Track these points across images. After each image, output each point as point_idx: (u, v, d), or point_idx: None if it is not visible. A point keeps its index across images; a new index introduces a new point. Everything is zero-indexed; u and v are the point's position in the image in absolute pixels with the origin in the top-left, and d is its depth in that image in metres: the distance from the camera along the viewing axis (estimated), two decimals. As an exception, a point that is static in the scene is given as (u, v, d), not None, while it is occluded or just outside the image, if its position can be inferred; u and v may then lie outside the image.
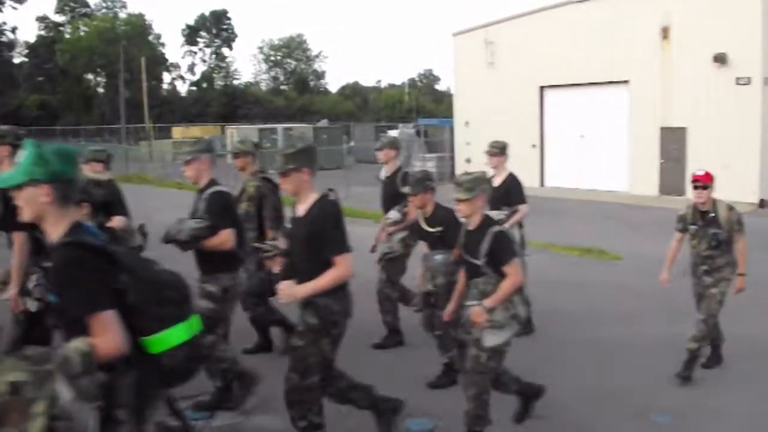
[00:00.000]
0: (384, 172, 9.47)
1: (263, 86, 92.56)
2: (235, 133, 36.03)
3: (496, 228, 5.61)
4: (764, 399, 7.09)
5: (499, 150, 9.25)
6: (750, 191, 22.34)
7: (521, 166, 28.84)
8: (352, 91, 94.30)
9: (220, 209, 6.01)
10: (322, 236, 5.05)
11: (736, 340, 8.32)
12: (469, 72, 31.03)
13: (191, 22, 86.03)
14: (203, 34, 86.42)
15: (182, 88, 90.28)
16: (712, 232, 7.30)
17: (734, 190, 23.40)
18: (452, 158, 31.69)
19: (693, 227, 7.49)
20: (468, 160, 30.85)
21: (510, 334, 5.59)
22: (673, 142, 25.06)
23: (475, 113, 30.76)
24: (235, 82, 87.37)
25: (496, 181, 8.76)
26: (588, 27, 26.87)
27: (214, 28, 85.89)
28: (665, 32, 24.95)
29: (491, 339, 5.51)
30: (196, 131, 56.35)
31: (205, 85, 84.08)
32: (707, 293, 7.41)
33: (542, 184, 28.68)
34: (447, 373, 7.26)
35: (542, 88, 28.93)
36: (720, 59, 23.57)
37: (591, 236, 16.84)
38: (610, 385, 7.13)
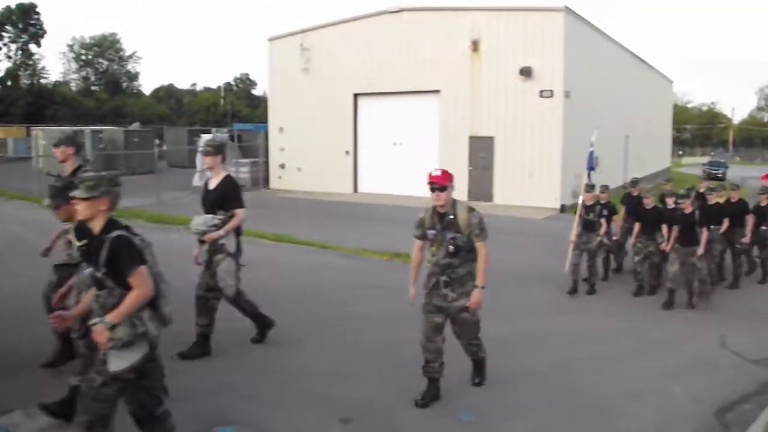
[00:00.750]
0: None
1: (73, 86, 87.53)
2: (41, 135, 33.60)
3: (116, 233, 4.74)
4: (558, 391, 7.36)
5: (214, 149, 8.03)
6: (552, 197, 23.53)
7: (335, 172, 29.30)
8: (167, 93, 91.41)
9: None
10: None
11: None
12: (285, 77, 30.72)
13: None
14: (8, 28, 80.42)
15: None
16: (450, 237, 6.57)
17: (538, 196, 24.72)
18: (267, 164, 31.18)
19: (431, 232, 6.76)
20: (282, 166, 30.54)
21: (138, 356, 4.72)
22: (481, 150, 25.94)
23: (289, 119, 30.47)
24: (43, 81, 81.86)
25: (212, 183, 8.01)
26: (401, 37, 27.41)
27: (21, 23, 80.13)
28: (475, 45, 25.82)
29: (116, 363, 4.67)
30: (-1, 131, 52.02)
31: (9, 83, 78.26)
32: (460, 318, 6.79)
33: (356, 190, 28.81)
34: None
35: (356, 95, 29.09)
36: (525, 72, 24.73)
37: (402, 241, 16.88)
38: (418, 386, 6.99)
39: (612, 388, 7.53)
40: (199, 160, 29.32)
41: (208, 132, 32.84)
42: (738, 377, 8.09)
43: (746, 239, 13.43)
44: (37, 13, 78.63)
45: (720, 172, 54.82)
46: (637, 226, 12.72)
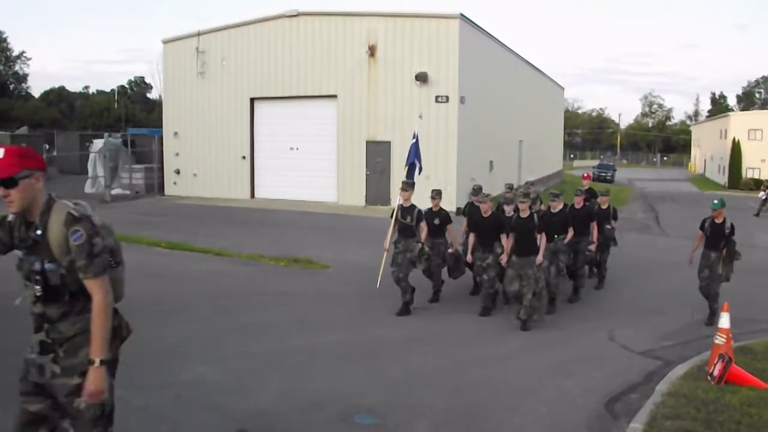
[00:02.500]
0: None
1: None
2: None
3: None
4: (455, 391, 7.52)
5: None
6: (448, 200, 23.85)
7: (231, 177, 28.94)
8: (58, 96, 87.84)
9: None
10: None
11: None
12: (180, 81, 30.15)
13: None
14: None
15: None
16: (36, 267, 3.89)
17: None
18: (161, 169, 30.48)
19: (18, 254, 4.04)
20: (177, 171, 29.95)
21: None
22: (378, 155, 26.12)
23: (185, 124, 29.91)
24: None
25: None
26: (298, 41, 27.36)
27: None
28: (372, 50, 26.00)
29: None
30: None
31: None
32: (70, 408, 3.97)
33: (253, 195, 28.53)
34: None
35: (253, 99, 28.82)
36: (421, 78, 25.06)
37: (300, 246, 16.87)
38: (315, 391, 7.06)
39: (506, 385, 7.74)
40: (92, 167, 28.55)
41: (101, 137, 31.86)
42: (625, 369, 8.47)
43: (593, 246, 12.58)
44: None
45: (609, 174, 56.98)
46: (472, 237, 11.61)
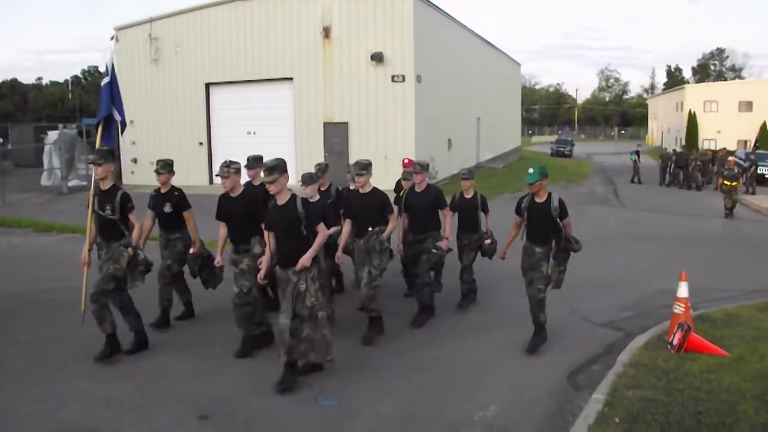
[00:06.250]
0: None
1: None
2: None
3: None
4: (415, 370, 7.56)
5: None
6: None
7: (189, 164, 28.65)
8: (10, 89, 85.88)
9: None
10: None
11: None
12: (134, 69, 29.67)
13: None
14: None
15: None
16: None
17: (393, 179, 24.74)
18: (118, 158, 30.07)
19: None
20: (134, 160, 29.60)
21: None
22: (336, 136, 26.07)
23: (140, 112, 29.47)
24: None
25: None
26: (252, 25, 27.14)
27: None
28: (326, 31, 25.89)
29: None
30: None
31: None
32: None
33: (211, 181, 28.30)
34: None
35: (208, 85, 28.54)
36: (377, 58, 25.03)
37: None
38: (274, 376, 7.00)
39: (467, 362, 7.77)
40: (47, 159, 28.13)
41: (56, 128, 31.35)
42: (587, 341, 8.53)
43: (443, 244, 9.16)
44: None
45: (567, 149, 57.45)
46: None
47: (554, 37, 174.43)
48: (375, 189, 8.69)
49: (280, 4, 26.71)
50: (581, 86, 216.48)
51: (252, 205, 8.00)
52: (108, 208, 7.71)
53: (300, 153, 26.35)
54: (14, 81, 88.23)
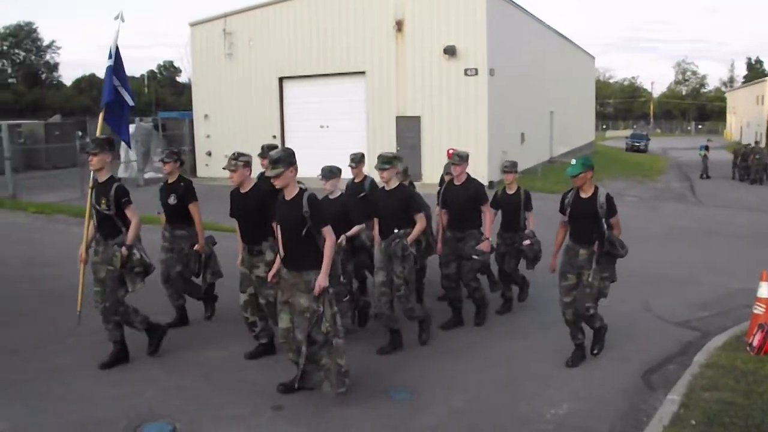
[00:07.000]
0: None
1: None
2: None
3: None
4: (487, 363, 7.52)
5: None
6: (480, 174, 23.67)
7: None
8: (89, 84, 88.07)
9: None
10: None
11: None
12: (208, 63, 30.19)
13: None
14: None
15: None
16: None
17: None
18: (193, 152, 30.64)
19: None
20: (209, 153, 30.07)
21: None
22: (408, 130, 26.02)
23: (215, 105, 30.02)
24: (-44, 74, 78.12)
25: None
26: (324, 19, 27.25)
27: (-69, 14, 76.32)
28: (399, 25, 25.84)
29: None
30: None
31: None
32: None
33: (285, 175, 28.54)
34: None
35: (281, 79, 28.79)
36: (450, 51, 24.87)
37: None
38: (348, 366, 6.99)
39: (539, 358, 7.67)
40: (123, 152, 28.77)
41: (132, 122, 32.08)
42: (662, 340, 8.33)
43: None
44: (-54, 3, 75.06)
45: (642, 144, 56.30)
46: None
47: (629, 29, 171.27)
48: (401, 185, 7.98)
49: (353, -1, 26.80)
50: (657, 79, 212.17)
51: (264, 203, 6.99)
52: (103, 202, 7.11)
53: (372, 147, 26.32)
54: (92, 76, 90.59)
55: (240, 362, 7.46)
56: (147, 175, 27.67)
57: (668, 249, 14.67)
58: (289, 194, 6.25)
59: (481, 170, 23.23)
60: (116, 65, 8.24)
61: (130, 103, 8.45)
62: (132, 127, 30.15)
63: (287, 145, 28.66)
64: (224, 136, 29.54)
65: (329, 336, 6.19)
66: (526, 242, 9.17)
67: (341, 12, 27.01)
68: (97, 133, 7.76)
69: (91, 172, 7.31)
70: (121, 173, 28.69)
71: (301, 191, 6.25)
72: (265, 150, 8.54)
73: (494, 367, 7.44)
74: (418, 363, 7.50)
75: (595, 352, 7.66)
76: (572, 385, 6.86)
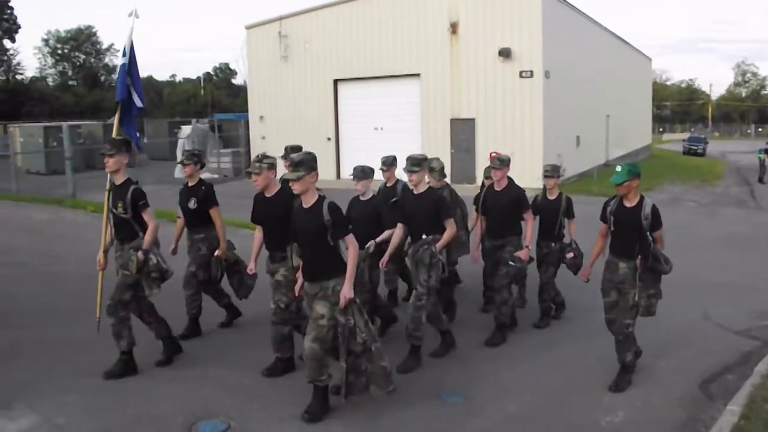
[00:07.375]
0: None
1: (50, 81, 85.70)
2: (18, 132, 33.33)
3: None
4: (542, 369, 7.47)
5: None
6: (535, 177, 23.50)
7: (317, 159, 29.04)
8: (146, 86, 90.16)
9: None
10: None
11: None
12: (264, 65, 30.56)
13: (-34, 11, 78.50)
14: (-19, 24, 78.63)
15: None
16: None
17: (520, 176, 24.35)
18: (248, 153, 31.01)
19: None
20: (264, 155, 30.33)
21: None
22: (463, 132, 25.97)
23: (270, 107, 30.36)
24: (19, 77, 79.95)
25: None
26: (379, 21, 27.36)
27: (-6, 18, 78.38)
28: (454, 27, 25.82)
29: None
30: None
31: (-16, 80, 76.62)
32: None
33: (338, 176, 28.70)
34: None
35: (336, 81, 29.00)
36: (504, 53, 24.75)
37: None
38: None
39: (596, 364, 7.57)
40: (180, 152, 29.24)
41: (188, 123, 32.58)
42: (721, 349, 8.15)
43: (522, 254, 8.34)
44: (11, 8, 76.90)
45: (700, 147, 55.17)
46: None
47: (686, 30, 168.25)
48: (430, 189, 7.54)
49: (407, 1, 26.80)
50: (715, 82, 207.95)
51: (291, 208, 6.43)
52: (120, 205, 6.92)
53: (427, 150, 26.30)
54: (150, 78, 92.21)
55: (299, 363, 7.42)
56: (203, 176, 27.97)
57: (728, 256, 14.35)
58: (308, 201, 5.98)
59: (536, 173, 23.07)
60: (130, 64, 8.03)
61: (139, 104, 8.14)
62: (188, 128, 30.70)
63: (342, 147, 28.90)
64: (279, 137, 29.80)
65: (367, 344, 6.06)
66: (569, 255, 8.88)
67: (396, 14, 27.07)
68: (113, 134, 7.64)
69: (108, 175, 7.18)
70: (177, 174, 29.16)
71: (321, 198, 5.97)
72: (288, 151, 8.15)
73: (548, 373, 7.39)
74: (470, 367, 7.48)
75: (612, 388, 6.85)
76: (628, 393, 6.78)
